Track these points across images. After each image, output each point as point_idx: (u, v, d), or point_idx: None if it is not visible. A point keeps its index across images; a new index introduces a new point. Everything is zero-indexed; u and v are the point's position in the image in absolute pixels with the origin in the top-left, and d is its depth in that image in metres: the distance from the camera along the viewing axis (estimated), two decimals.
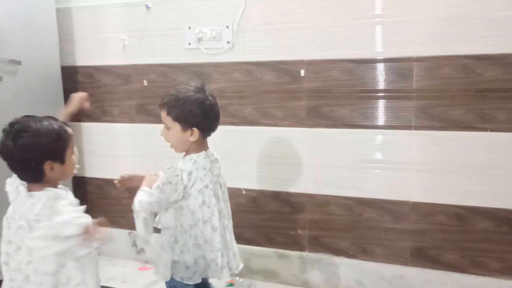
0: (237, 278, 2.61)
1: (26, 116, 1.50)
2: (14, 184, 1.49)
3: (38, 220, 1.40)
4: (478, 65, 2.06)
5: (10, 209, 1.48)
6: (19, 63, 2.38)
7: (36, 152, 1.43)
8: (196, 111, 1.76)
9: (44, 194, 1.42)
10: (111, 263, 2.88)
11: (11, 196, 1.50)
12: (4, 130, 1.45)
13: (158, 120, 2.61)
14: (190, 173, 1.74)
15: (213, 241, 1.80)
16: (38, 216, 1.40)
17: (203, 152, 1.81)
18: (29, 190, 1.45)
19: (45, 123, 1.47)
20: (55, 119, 1.53)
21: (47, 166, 1.45)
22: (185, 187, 1.74)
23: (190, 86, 1.81)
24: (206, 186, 1.78)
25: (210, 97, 1.81)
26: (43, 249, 1.40)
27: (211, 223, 1.79)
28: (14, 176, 1.49)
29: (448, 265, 2.25)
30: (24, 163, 1.44)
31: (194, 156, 1.78)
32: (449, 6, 2.06)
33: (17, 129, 1.44)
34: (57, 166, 1.47)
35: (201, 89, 1.80)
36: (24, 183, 1.47)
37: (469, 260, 2.21)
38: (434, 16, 2.09)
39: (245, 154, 2.50)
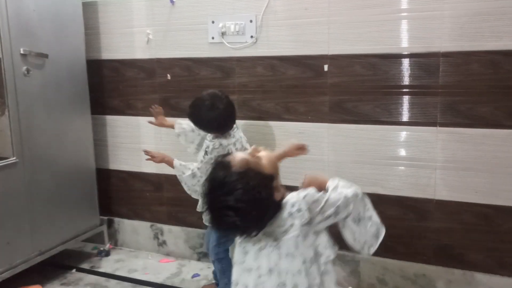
0: None
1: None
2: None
3: None
4: (507, 61, 2.00)
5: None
6: (46, 56, 2.43)
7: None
8: None
9: None
10: (134, 255, 2.93)
11: None
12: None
13: (182, 114, 2.65)
14: None
15: None
16: None
17: None
18: None
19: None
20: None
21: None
22: None
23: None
24: None
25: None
26: None
27: None
28: None
29: (472, 265, 2.21)
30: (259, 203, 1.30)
31: None
32: (477, 1, 2.01)
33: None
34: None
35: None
36: None
37: (495, 260, 2.17)
38: (462, 10, 2.04)
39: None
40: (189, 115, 2.13)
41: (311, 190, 1.37)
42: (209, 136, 2.17)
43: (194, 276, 2.61)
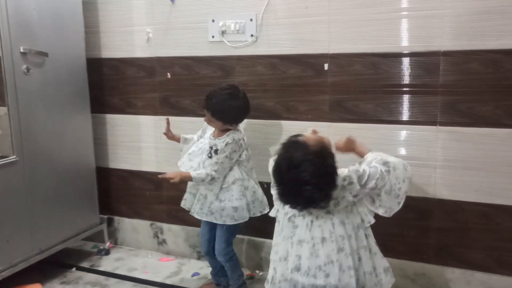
0: (257, 271, 2.62)
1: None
2: None
3: None
4: (507, 60, 2.00)
5: None
6: (46, 54, 2.42)
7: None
8: None
9: None
10: (134, 254, 2.93)
11: None
12: None
13: (182, 113, 2.65)
14: None
15: None
16: None
17: None
18: None
19: None
20: None
21: None
22: None
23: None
24: None
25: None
26: None
27: None
28: None
29: (472, 264, 2.21)
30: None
31: None
32: (478, 0, 2.01)
33: None
34: None
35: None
36: None
37: (495, 259, 2.17)
38: (463, 9, 2.04)
39: (267, 148, 2.49)
40: (210, 103, 2.11)
41: (356, 165, 1.58)
42: (212, 135, 2.18)
43: (194, 274, 2.61)
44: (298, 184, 1.41)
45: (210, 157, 2.14)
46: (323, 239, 1.51)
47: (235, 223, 2.18)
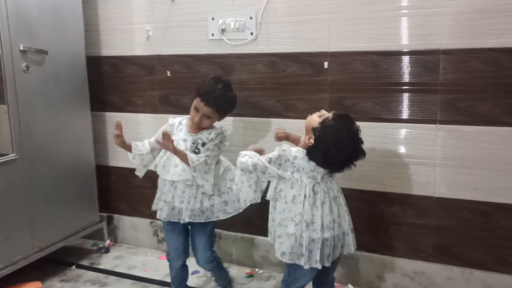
0: (257, 269, 2.62)
1: None
2: None
3: None
4: (507, 59, 2.00)
5: None
6: (46, 52, 2.42)
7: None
8: None
9: None
10: (134, 252, 2.93)
11: None
12: None
13: (181, 111, 2.64)
14: None
15: None
16: None
17: None
18: None
19: None
20: None
21: None
22: None
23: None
24: None
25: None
26: None
27: None
28: None
29: (472, 262, 2.21)
30: None
31: None
32: None
33: None
34: None
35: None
36: None
37: (494, 257, 2.17)
38: (462, 7, 2.04)
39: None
40: (213, 99, 2.01)
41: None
42: (188, 132, 2.09)
43: (193, 273, 2.61)
44: (358, 154, 1.76)
45: (197, 152, 2.04)
46: (335, 197, 1.84)
47: (228, 216, 2.12)
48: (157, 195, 2.17)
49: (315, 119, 1.82)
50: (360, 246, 2.39)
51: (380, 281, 2.38)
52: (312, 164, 1.78)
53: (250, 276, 2.57)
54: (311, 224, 1.77)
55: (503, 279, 2.16)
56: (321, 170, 1.79)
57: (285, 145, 1.85)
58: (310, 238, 1.77)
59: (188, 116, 2.14)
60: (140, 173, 2.20)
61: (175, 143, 2.00)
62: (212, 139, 2.07)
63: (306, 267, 1.79)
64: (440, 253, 2.26)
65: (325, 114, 1.83)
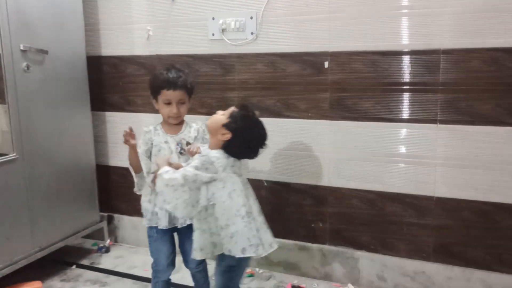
0: (257, 269, 2.62)
1: None
2: None
3: None
4: (508, 58, 2.00)
5: None
6: (46, 52, 2.42)
7: None
8: None
9: None
10: (134, 251, 2.93)
11: None
12: None
13: None
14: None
15: None
16: None
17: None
18: None
19: None
20: None
21: None
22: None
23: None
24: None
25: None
26: None
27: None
28: None
29: (472, 262, 2.21)
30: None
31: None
32: None
33: None
34: None
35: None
36: None
37: (494, 257, 2.17)
38: (463, 7, 2.03)
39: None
40: (186, 82, 1.98)
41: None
42: (166, 134, 2.04)
43: None
44: (265, 131, 1.87)
45: (183, 153, 2.00)
46: (247, 186, 1.86)
47: None
48: (146, 210, 2.12)
49: (219, 117, 1.77)
50: (360, 245, 2.41)
51: (380, 280, 2.38)
52: (231, 159, 1.77)
53: (251, 275, 2.57)
54: (251, 213, 1.79)
55: (503, 278, 2.16)
56: (237, 163, 1.81)
57: (203, 150, 1.80)
58: (256, 226, 1.79)
59: (159, 122, 2.08)
60: (139, 192, 2.17)
61: (156, 148, 2.03)
62: (195, 137, 2.03)
63: (263, 254, 1.78)
64: (440, 253, 2.26)
65: (225, 111, 1.80)
